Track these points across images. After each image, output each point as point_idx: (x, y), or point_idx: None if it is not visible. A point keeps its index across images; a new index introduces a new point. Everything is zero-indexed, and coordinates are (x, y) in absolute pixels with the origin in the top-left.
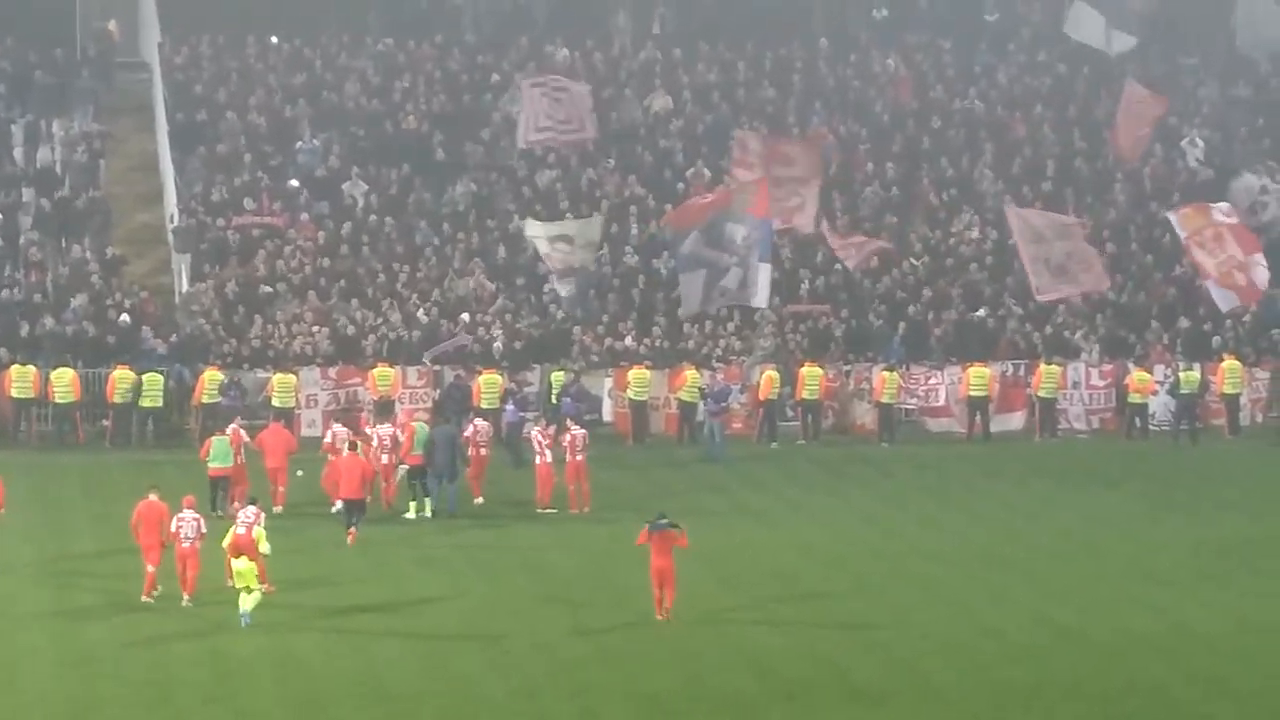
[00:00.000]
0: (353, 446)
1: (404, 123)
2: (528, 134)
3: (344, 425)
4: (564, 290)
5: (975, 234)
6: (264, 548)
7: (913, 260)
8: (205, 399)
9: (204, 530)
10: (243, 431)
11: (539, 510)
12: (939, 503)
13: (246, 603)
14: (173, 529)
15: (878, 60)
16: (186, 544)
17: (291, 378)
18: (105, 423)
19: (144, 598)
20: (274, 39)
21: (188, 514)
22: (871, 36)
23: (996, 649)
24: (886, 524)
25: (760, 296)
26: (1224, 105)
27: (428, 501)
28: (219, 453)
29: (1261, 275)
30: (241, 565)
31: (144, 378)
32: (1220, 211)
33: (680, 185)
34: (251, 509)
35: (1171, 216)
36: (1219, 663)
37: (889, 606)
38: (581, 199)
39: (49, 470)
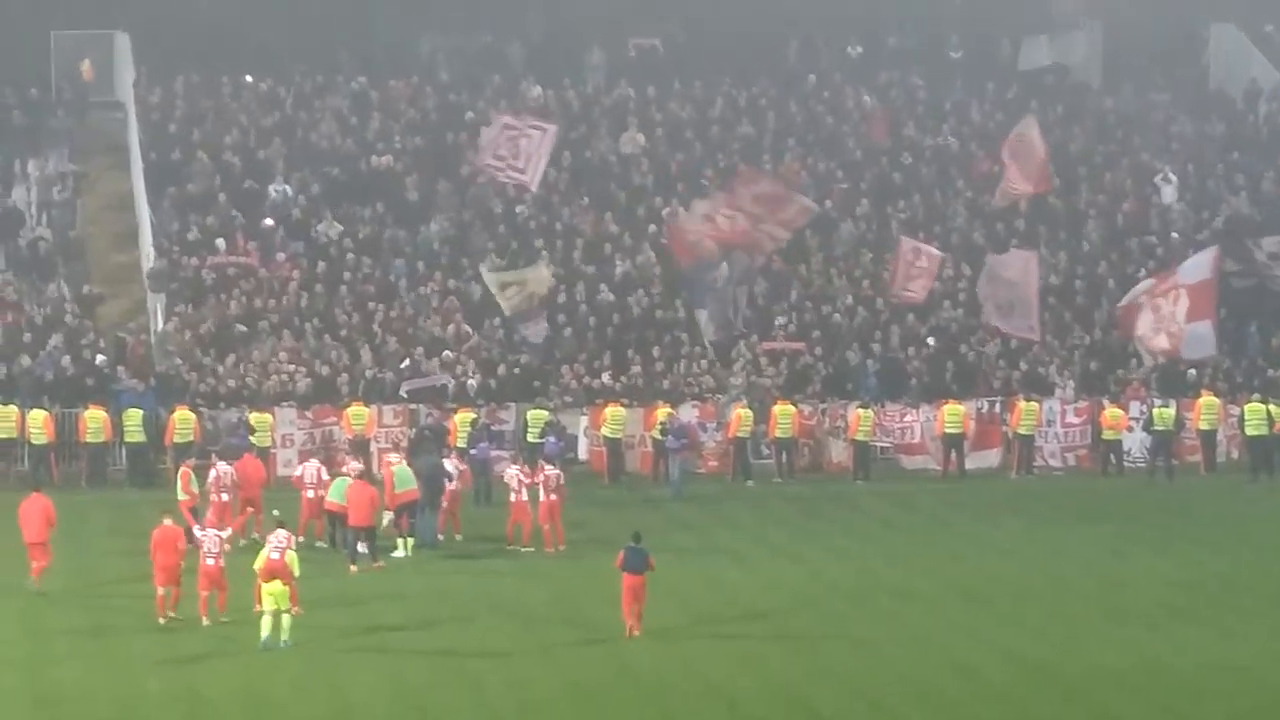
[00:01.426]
0: (361, 475)
1: (378, 164)
2: (482, 159)
3: (320, 461)
4: (530, 334)
5: (949, 271)
6: (296, 571)
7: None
8: (178, 439)
9: (226, 548)
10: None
11: (510, 548)
12: (913, 540)
13: (284, 629)
14: (200, 543)
15: (851, 97)
16: (210, 561)
17: (268, 417)
18: (81, 464)
19: (160, 619)
20: (248, 78)
21: (210, 532)
22: (846, 74)
23: (968, 687)
24: (860, 561)
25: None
26: (1198, 141)
27: (410, 541)
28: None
29: (1192, 344)
30: (275, 588)
31: (124, 415)
32: (1187, 273)
33: (652, 227)
34: (282, 533)
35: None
36: (1190, 701)
37: (861, 645)
38: (556, 236)
39: None
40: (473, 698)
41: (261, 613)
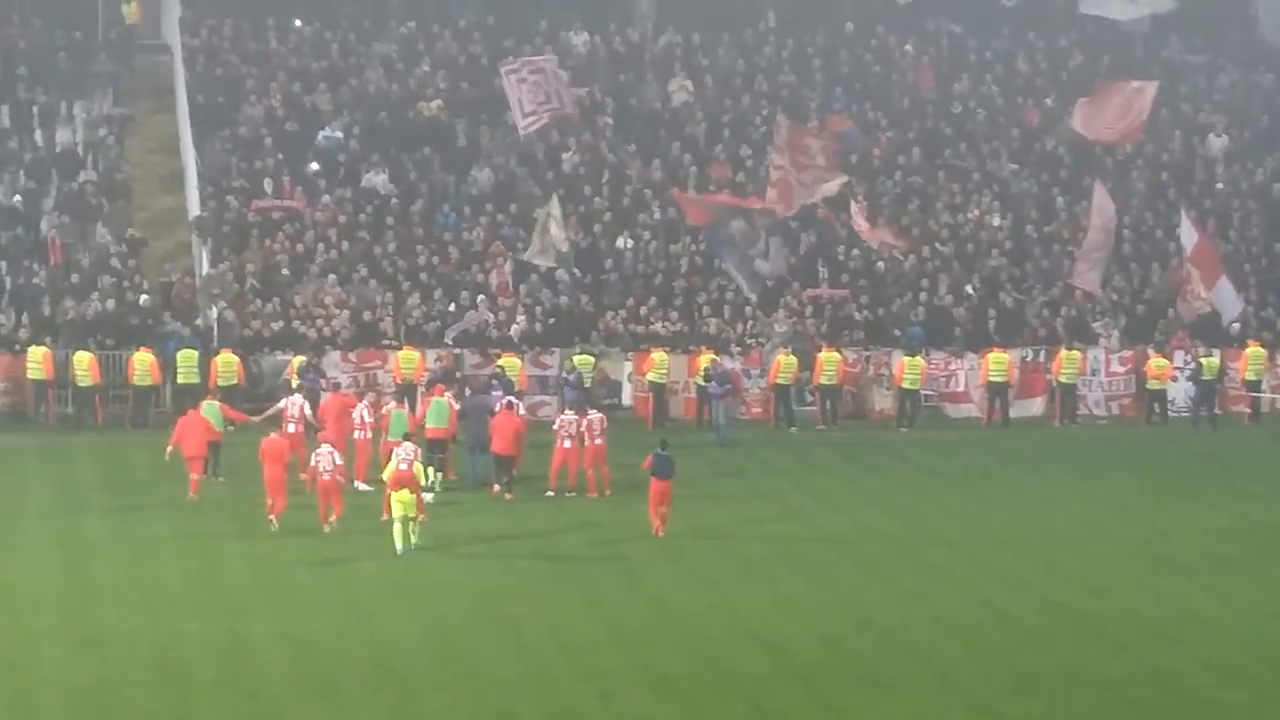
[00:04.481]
0: (509, 405)
1: (423, 111)
2: (522, 124)
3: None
4: (544, 264)
5: (995, 220)
6: (422, 480)
7: (937, 244)
8: (221, 382)
9: (339, 462)
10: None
11: (549, 493)
12: (955, 489)
13: (413, 534)
14: (311, 463)
15: (898, 47)
16: (326, 476)
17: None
18: (126, 405)
19: (269, 527)
20: (296, 22)
21: (324, 449)
22: (893, 23)
23: (1009, 635)
24: (902, 510)
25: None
26: (1244, 91)
27: (438, 476)
28: (209, 414)
29: (1225, 308)
30: (404, 497)
31: (178, 355)
32: (1185, 244)
33: (694, 169)
34: (410, 446)
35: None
36: (1230, 651)
37: (903, 592)
38: (603, 184)
39: (66, 451)
40: (513, 642)
41: (390, 520)
